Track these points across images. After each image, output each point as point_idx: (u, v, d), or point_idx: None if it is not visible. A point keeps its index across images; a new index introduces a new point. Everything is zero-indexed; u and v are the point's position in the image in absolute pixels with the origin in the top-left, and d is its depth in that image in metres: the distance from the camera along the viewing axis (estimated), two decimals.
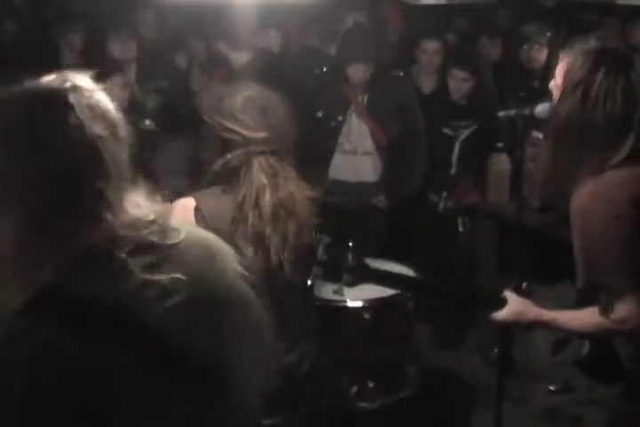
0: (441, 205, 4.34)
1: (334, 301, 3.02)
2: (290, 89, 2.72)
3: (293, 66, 4.98)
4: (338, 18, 5.07)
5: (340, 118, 4.12)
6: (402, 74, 4.39)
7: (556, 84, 2.10)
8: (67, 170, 1.20)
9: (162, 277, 1.23)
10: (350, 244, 2.33)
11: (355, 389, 3.04)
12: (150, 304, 1.22)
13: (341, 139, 4.15)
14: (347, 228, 3.63)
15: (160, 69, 4.81)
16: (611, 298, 1.89)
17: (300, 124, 2.20)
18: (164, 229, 1.29)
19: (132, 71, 4.66)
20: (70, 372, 1.17)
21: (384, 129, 4.14)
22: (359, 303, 3.03)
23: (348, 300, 3.02)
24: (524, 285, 2.35)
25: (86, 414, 1.18)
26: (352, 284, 2.38)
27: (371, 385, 3.05)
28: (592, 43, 2.06)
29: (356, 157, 4.18)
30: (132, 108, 4.23)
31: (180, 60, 5.01)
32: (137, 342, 1.21)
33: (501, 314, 2.13)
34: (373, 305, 3.05)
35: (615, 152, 1.93)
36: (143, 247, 1.25)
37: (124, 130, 1.29)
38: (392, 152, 4.16)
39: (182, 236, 1.31)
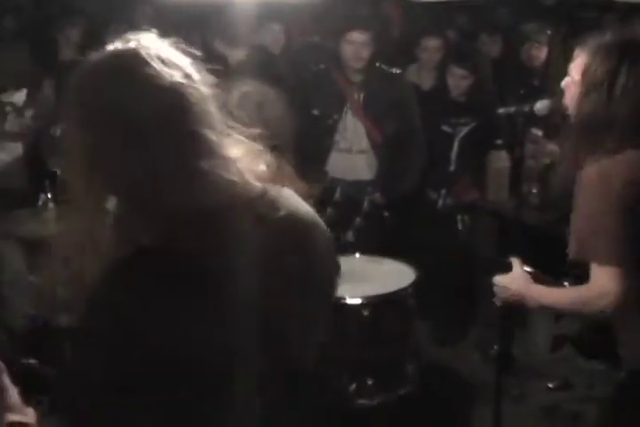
0: (440, 203, 4.34)
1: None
2: (286, 86, 2.72)
3: (290, 63, 4.98)
4: (339, 15, 5.06)
5: (335, 116, 4.11)
6: (398, 71, 4.38)
7: (573, 81, 2.09)
8: (160, 118, 1.20)
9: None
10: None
11: (354, 386, 3.04)
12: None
13: (337, 137, 4.15)
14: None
15: None
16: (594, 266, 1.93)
17: (297, 121, 2.20)
18: (272, 201, 1.32)
19: None
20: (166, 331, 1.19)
21: (379, 127, 4.12)
22: (358, 300, 3.03)
23: (346, 297, 3.01)
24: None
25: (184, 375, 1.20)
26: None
27: (370, 382, 3.05)
28: (609, 37, 2.06)
29: (352, 156, 4.17)
30: None
31: None
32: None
33: (501, 279, 2.22)
34: (372, 302, 3.05)
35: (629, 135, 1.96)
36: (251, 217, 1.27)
37: (202, 81, 1.29)
38: (387, 150, 4.14)
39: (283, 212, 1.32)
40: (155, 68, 1.20)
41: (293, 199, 1.40)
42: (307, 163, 2.07)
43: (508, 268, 2.22)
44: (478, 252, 4.38)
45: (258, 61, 4.64)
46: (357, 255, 3.46)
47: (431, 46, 4.62)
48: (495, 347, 3.78)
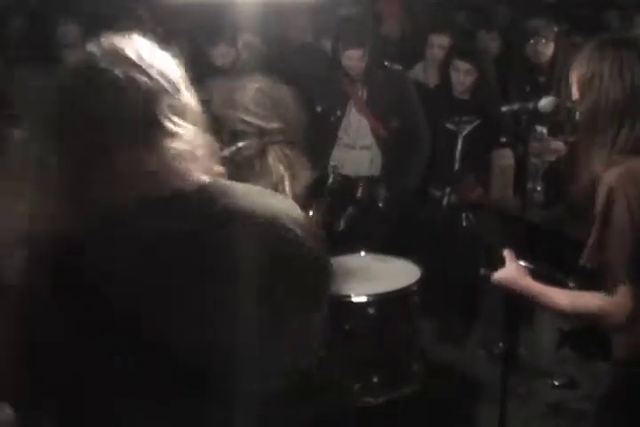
0: (444, 201, 4.33)
1: (338, 296, 3.02)
2: (290, 84, 2.71)
3: (293, 62, 4.97)
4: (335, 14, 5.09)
5: (338, 113, 4.13)
6: (400, 68, 4.39)
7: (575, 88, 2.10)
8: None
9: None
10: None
11: (359, 384, 3.04)
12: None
13: (340, 133, 4.17)
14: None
15: None
16: (616, 280, 1.89)
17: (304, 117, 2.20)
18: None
19: None
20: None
21: (383, 123, 4.14)
22: (363, 298, 3.03)
23: (352, 295, 3.01)
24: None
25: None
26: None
27: (375, 380, 3.05)
28: (598, 38, 2.07)
29: (355, 152, 4.19)
30: None
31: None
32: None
33: (497, 275, 2.20)
34: (377, 300, 3.04)
35: None
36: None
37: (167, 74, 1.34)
38: (391, 146, 4.16)
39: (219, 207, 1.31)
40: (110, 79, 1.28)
41: (251, 196, 1.34)
42: (311, 158, 2.07)
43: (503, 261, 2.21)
44: (483, 250, 4.37)
45: (261, 60, 4.65)
46: (362, 254, 3.46)
47: (438, 43, 4.62)
48: (500, 345, 3.78)
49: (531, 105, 2.57)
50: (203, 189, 1.31)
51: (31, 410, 1.35)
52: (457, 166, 4.38)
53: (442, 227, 4.31)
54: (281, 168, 1.98)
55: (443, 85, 4.49)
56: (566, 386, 3.80)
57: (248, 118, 2.00)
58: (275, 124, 2.01)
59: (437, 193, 4.35)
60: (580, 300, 1.99)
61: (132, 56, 1.31)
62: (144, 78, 1.29)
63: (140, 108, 1.28)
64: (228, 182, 1.37)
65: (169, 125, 1.30)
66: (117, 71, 1.27)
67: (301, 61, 4.85)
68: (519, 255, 2.25)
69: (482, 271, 2.30)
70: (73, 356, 1.27)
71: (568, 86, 2.13)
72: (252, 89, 2.05)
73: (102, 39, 1.33)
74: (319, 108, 4.12)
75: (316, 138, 3.96)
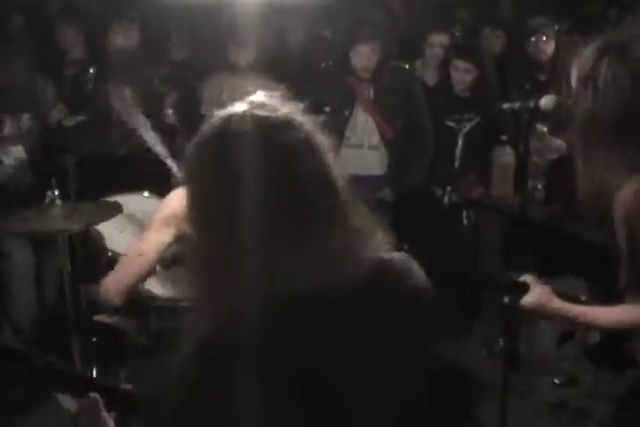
0: (445, 199, 4.33)
1: None
2: (296, 84, 2.72)
3: (300, 60, 4.98)
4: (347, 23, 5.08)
5: (346, 113, 4.13)
6: (408, 66, 4.40)
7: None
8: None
9: None
10: None
11: None
12: None
13: (348, 133, 4.17)
14: None
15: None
16: None
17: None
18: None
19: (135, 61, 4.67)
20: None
21: (391, 123, 4.14)
22: None
23: None
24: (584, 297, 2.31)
25: None
26: None
27: None
28: (596, 40, 2.05)
29: (363, 151, 4.19)
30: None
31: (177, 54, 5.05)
32: None
33: (526, 301, 2.07)
34: None
35: None
36: None
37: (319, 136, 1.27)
38: (399, 145, 4.16)
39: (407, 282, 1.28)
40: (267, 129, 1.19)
41: (412, 267, 1.35)
42: None
43: (519, 285, 2.11)
44: (484, 247, 4.38)
45: (267, 60, 4.65)
46: None
47: (437, 42, 4.62)
48: (501, 343, 3.78)
49: (531, 103, 2.56)
50: (382, 265, 1.26)
51: None
52: (458, 164, 4.38)
53: (443, 225, 4.31)
54: None
55: (443, 84, 4.49)
56: (567, 383, 3.80)
57: None
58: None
59: (438, 191, 4.35)
60: (615, 315, 1.95)
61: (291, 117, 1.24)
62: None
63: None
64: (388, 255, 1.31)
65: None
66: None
67: (310, 59, 4.86)
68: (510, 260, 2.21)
69: (505, 300, 2.21)
70: None
71: (569, 85, 2.12)
72: (239, 90, 2.04)
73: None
74: (326, 108, 4.13)
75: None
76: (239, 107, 1.22)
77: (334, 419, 1.15)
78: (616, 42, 1.96)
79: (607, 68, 1.89)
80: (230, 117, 1.21)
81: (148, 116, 4.10)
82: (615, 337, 2.08)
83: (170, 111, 4.34)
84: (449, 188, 4.31)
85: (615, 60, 1.90)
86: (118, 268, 2.60)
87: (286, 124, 1.20)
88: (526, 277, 2.12)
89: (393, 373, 1.24)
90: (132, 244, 2.72)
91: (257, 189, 1.15)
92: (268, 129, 1.19)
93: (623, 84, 1.88)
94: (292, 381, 1.10)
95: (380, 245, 1.27)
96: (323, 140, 1.26)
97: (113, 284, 2.55)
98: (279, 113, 1.22)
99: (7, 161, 4.16)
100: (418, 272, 1.33)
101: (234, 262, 1.15)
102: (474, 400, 3.63)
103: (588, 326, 2.06)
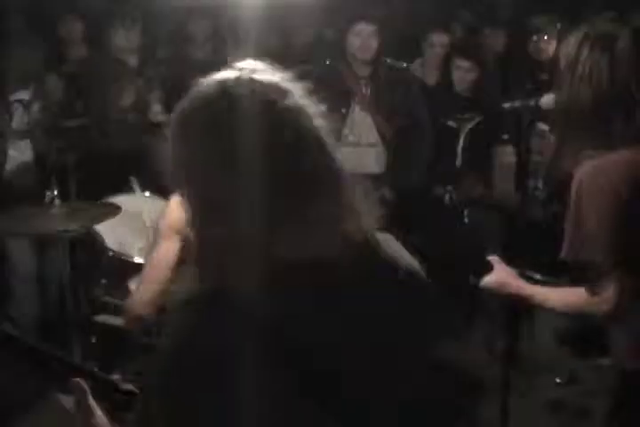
0: (446, 198, 4.33)
1: None
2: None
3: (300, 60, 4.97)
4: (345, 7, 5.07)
5: (343, 110, 4.12)
6: (405, 64, 4.38)
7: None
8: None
9: None
10: None
11: None
12: None
13: (345, 131, 4.16)
14: None
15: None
16: (598, 277, 1.90)
17: None
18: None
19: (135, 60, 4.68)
20: None
21: (389, 120, 4.13)
22: None
23: None
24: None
25: None
26: None
27: None
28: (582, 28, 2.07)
29: (361, 149, 4.18)
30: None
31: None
32: None
33: (486, 280, 2.22)
34: None
35: (616, 129, 1.93)
36: None
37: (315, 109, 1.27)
38: (397, 143, 4.15)
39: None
40: (266, 95, 1.17)
41: (395, 246, 1.34)
42: None
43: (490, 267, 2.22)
44: (484, 247, 4.37)
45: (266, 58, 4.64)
46: None
47: (438, 41, 4.61)
48: (501, 342, 3.78)
49: (533, 102, 2.57)
50: (367, 243, 1.24)
51: None
52: (459, 163, 4.38)
53: (443, 224, 4.31)
54: None
55: (443, 83, 4.49)
56: (568, 382, 3.80)
57: None
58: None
59: (439, 190, 4.35)
60: (569, 297, 2.02)
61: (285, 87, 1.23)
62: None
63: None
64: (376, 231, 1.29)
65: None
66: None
67: (306, 57, 4.85)
68: (510, 259, 2.26)
69: (471, 279, 2.31)
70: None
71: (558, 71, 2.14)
72: None
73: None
74: (323, 106, 4.12)
75: None
76: (232, 72, 1.20)
77: (335, 400, 1.14)
78: (599, 30, 1.99)
79: (588, 56, 1.93)
80: (226, 80, 1.18)
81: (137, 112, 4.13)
82: (589, 325, 2.13)
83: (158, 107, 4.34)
84: (450, 187, 4.31)
85: (596, 47, 1.95)
86: (141, 288, 2.64)
87: (283, 89, 1.20)
88: (491, 258, 2.24)
89: (390, 346, 1.23)
90: (148, 257, 2.73)
91: (256, 154, 1.12)
92: (269, 92, 1.17)
93: (601, 72, 1.93)
94: (283, 349, 1.09)
95: (372, 224, 1.26)
96: (317, 107, 1.28)
97: (140, 304, 2.58)
98: (274, 78, 1.21)
99: (14, 155, 4.17)
100: (405, 253, 1.35)
101: (228, 228, 1.12)
102: (474, 399, 3.62)
103: (543, 306, 2.12)
